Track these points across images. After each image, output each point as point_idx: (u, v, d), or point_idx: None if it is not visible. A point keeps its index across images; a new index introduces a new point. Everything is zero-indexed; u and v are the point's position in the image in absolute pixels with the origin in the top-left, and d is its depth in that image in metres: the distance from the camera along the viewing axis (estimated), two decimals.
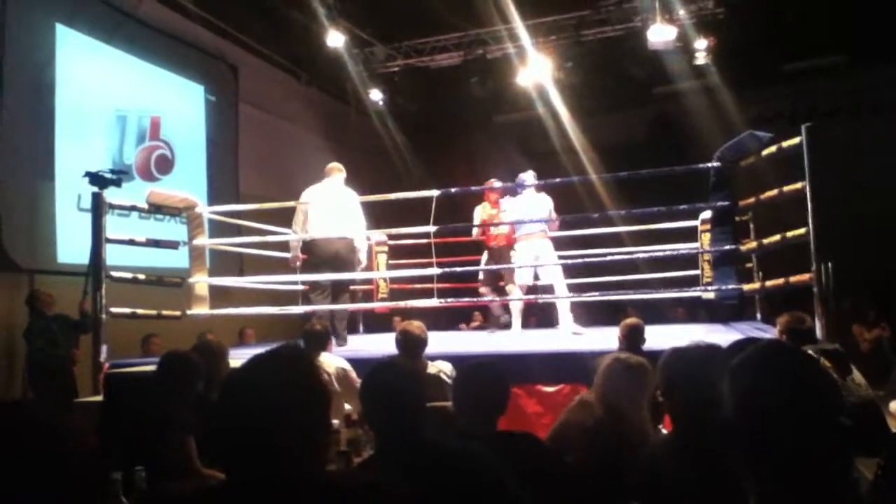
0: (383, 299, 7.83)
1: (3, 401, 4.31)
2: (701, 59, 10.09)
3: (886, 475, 1.21)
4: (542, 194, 6.72)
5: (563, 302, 6.43)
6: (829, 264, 4.39)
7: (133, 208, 5.92)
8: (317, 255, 6.14)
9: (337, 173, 6.36)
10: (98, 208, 5.27)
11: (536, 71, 10.39)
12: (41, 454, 1.18)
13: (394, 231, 7.09)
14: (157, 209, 6.10)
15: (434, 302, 6.02)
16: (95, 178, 5.23)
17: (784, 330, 3.85)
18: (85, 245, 5.30)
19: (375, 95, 11.31)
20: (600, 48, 10.48)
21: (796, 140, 4.62)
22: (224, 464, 1.41)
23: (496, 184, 6.98)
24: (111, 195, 5.36)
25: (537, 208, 6.61)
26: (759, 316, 7.32)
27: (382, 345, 5.90)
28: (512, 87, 10.97)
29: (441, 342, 5.54)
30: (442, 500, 1.37)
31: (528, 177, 6.73)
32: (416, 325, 4.17)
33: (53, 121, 7.49)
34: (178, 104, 9.46)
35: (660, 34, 9.13)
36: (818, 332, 4.25)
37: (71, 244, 7.14)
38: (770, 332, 5.05)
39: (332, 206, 6.14)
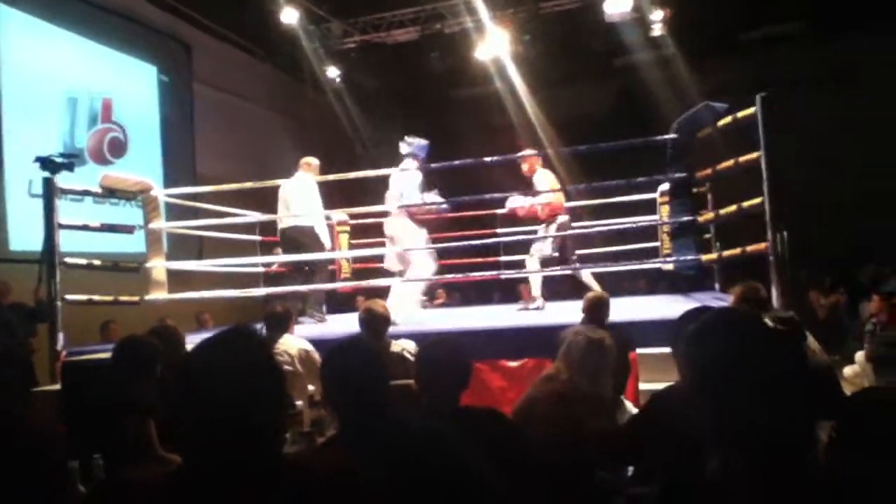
0: (346, 279, 7.78)
1: None
2: (657, 30, 10.12)
3: (840, 439, 1.23)
4: (411, 166, 6.07)
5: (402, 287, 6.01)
6: (785, 233, 4.46)
7: (86, 193, 5.81)
8: (283, 241, 6.50)
9: (305, 168, 6.54)
10: (50, 193, 5.16)
11: (495, 45, 10.34)
12: (3, 443, 1.16)
13: (355, 210, 7.05)
14: (111, 193, 6.02)
15: (397, 281, 6.00)
16: (46, 163, 5.10)
17: (739, 299, 3.89)
18: (38, 231, 5.18)
19: (332, 72, 11.19)
20: (558, 20, 10.45)
21: (751, 110, 4.66)
22: (181, 448, 1.39)
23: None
24: (63, 180, 5.25)
25: (395, 183, 6.01)
26: (717, 286, 7.43)
27: (346, 324, 5.87)
28: (471, 61, 10.89)
29: (405, 320, 5.52)
30: (405, 478, 1.36)
31: (403, 144, 6.17)
32: (379, 304, 4.17)
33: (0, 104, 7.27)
34: (131, 85, 9.25)
35: (616, 6, 9.16)
36: (774, 301, 4.32)
37: (23, 231, 6.97)
38: (728, 302, 5.13)
39: (301, 197, 6.33)
